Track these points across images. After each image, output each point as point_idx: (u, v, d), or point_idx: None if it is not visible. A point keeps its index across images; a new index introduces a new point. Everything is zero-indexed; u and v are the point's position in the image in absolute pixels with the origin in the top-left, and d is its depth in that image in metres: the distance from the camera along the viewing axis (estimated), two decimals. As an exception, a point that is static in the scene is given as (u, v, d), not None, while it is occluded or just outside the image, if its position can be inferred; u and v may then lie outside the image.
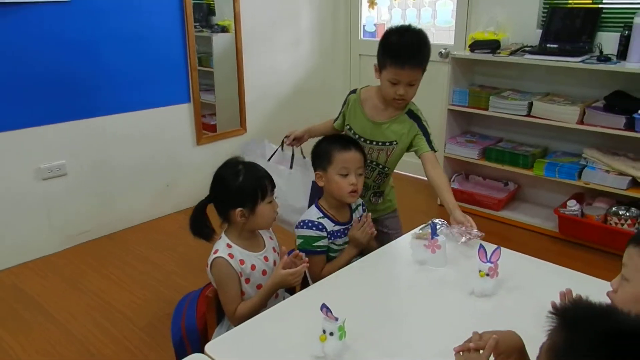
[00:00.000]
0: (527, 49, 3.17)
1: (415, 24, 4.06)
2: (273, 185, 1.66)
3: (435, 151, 1.97)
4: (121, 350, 2.23)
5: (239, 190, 1.60)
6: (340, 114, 2.08)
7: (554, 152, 3.28)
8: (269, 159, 2.05)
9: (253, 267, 1.62)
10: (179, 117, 3.45)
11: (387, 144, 1.98)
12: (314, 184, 1.89)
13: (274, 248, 1.72)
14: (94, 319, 2.43)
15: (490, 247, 1.51)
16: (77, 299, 2.59)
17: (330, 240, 1.81)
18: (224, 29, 3.80)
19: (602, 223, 2.88)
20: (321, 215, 1.81)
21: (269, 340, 1.31)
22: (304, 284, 1.83)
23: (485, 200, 3.42)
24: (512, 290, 1.50)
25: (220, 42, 3.79)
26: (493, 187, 3.55)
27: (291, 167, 2.06)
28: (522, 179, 3.47)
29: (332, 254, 1.82)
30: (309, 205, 1.90)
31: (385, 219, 2.15)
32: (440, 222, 1.79)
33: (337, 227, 1.82)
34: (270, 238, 1.74)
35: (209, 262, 1.60)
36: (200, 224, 1.66)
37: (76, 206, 3.08)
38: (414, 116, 1.99)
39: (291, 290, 1.78)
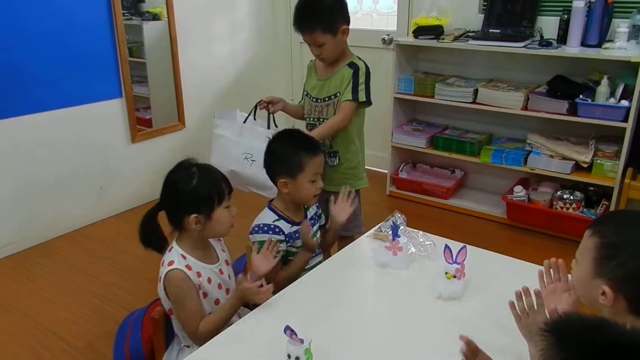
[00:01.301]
0: (470, 34, 3.15)
1: (357, 9, 4.01)
2: (230, 189, 1.51)
3: (356, 101, 1.99)
4: (57, 376, 2.02)
5: (193, 195, 1.45)
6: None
7: (499, 138, 3.30)
8: (244, 121, 2.07)
9: (209, 280, 1.48)
10: (110, 113, 3.20)
11: (333, 97, 2.04)
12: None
13: (226, 261, 1.59)
14: (24, 343, 2.19)
15: (455, 247, 1.45)
16: (3, 320, 2.33)
17: (289, 244, 1.69)
18: (155, 17, 3.56)
19: (548, 208, 2.92)
20: (276, 217, 1.69)
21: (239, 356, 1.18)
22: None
23: (434, 189, 3.40)
24: (478, 291, 1.44)
25: (151, 30, 3.55)
26: (441, 175, 3.54)
27: (268, 127, 2.06)
28: (469, 166, 3.48)
29: (290, 258, 1.71)
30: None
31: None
32: (400, 220, 1.71)
33: (294, 228, 1.71)
34: (223, 250, 1.60)
35: (162, 276, 1.44)
36: (151, 234, 1.51)
37: (-2, 216, 2.79)
38: (353, 65, 2.02)
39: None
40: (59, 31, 2.85)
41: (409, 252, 1.59)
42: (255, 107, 2.11)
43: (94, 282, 2.61)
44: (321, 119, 2.07)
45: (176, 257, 1.45)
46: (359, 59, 2.05)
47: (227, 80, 3.94)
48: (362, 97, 1.99)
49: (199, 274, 1.45)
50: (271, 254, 1.54)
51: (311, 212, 1.81)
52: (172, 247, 1.50)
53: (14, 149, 2.79)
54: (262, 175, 1.80)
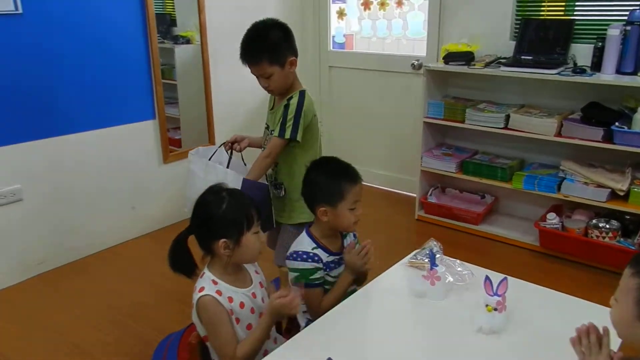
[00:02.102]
0: (502, 60, 3.14)
1: (386, 35, 4.05)
2: (259, 215, 1.52)
3: (282, 138, 1.94)
4: (89, 397, 2.03)
5: (222, 219, 1.46)
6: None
7: (531, 164, 3.26)
8: (210, 158, 2.07)
9: (242, 305, 1.48)
10: (143, 134, 3.26)
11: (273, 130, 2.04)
12: (245, 186, 1.88)
13: (260, 283, 1.58)
14: None
15: (495, 278, 1.42)
16: (37, 339, 2.36)
17: (326, 272, 1.68)
18: (187, 40, 3.65)
19: (583, 236, 2.86)
20: (315, 245, 1.68)
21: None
22: (294, 323, 1.71)
23: (464, 214, 3.36)
24: (521, 325, 1.41)
25: (183, 53, 3.64)
26: (470, 201, 3.51)
27: (227, 166, 2.06)
28: (499, 192, 3.44)
29: (326, 287, 1.70)
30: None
31: (282, 228, 2.09)
32: (437, 248, 1.69)
33: (331, 258, 1.70)
34: (256, 272, 1.60)
35: (194, 303, 1.44)
36: (180, 259, 1.51)
37: (33, 233, 2.84)
38: (290, 98, 1.99)
39: (281, 330, 1.65)
40: (97, 55, 2.94)
41: (447, 282, 1.57)
42: (220, 147, 2.09)
43: (125, 302, 2.63)
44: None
45: (207, 283, 1.46)
46: (302, 93, 1.99)
47: (256, 101, 3.98)
48: (287, 134, 1.92)
49: (230, 299, 1.45)
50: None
51: (347, 241, 1.80)
52: (203, 273, 1.50)
53: (51, 167, 2.85)
54: None
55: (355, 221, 1.68)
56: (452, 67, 3.23)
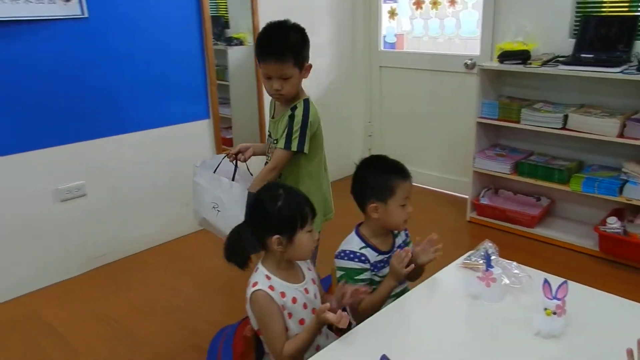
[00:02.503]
0: (560, 59, 3.04)
1: (438, 34, 4.00)
2: (314, 214, 1.54)
3: (288, 150, 1.87)
4: (146, 385, 2.11)
5: (276, 216, 1.48)
6: None
7: (590, 165, 3.14)
8: (215, 171, 2.03)
9: (294, 300, 1.50)
10: (198, 133, 3.35)
11: (277, 141, 1.95)
12: (249, 196, 1.82)
13: (313, 280, 1.60)
14: (115, 350, 2.31)
15: (554, 281, 1.38)
16: (97, 327, 2.48)
17: (373, 272, 1.68)
18: (239, 42, 3.73)
19: (646, 242, 2.73)
20: (363, 245, 1.68)
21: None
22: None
23: (518, 216, 3.28)
24: (581, 330, 1.36)
25: (235, 54, 3.72)
26: (525, 203, 3.41)
27: (233, 179, 2.00)
28: (556, 194, 3.33)
29: (373, 286, 1.69)
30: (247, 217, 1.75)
31: None
32: (492, 250, 1.66)
33: (379, 257, 1.69)
34: (309, 269, 1.62)
35: (248, 297, 1.48)
36: (235, 250, 1.56)
37: (95, 227, 2.98)
38: (294, 109, 1.91)
39: (332, 326, 1.66)
40: (156, 56, 3.05)
41: (502, 284, 1.54)
42: (224, 158, 2.05)
43: (179, 296, 2.72)
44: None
45: (260, 278, 1.48)
46: (306, 102, 1.92)
47: (308, 102, 4.02)
48: (294, 146, 1.86)
49: (283, 294, 1.47)
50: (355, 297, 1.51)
51: (399, 240, 1.79)
52: (257, 268, 1.53)
53: (111, 165, 2.98)
54: (224, 227, 1.79)
55: (406, 219, 1.67)
56: (507, 66, 3.15)
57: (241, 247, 1.56)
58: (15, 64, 2.54)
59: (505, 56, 3.18)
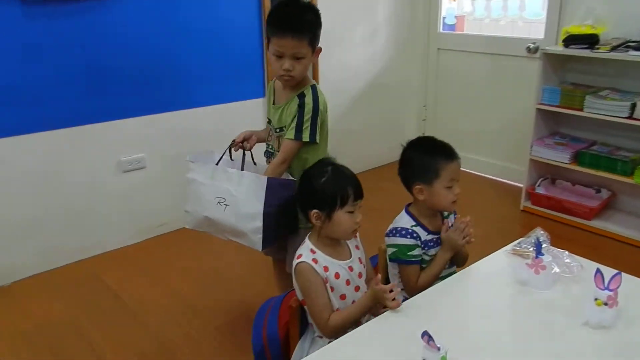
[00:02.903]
0: (631, 44, 2.88)
1: (501, 16, 3.87)
2: (358, 196, 1.55)
3: (299, 141, 1.79)
4: (196, 349, 2.21)
5: (318, 192, 1.53)
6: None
7: (657, 158, 2.98)
8: (217, 163, 1.90)
9: (337, 275, 1.53)
10: (253, 110, 3.41)
11: (283, 129, 1.85)
12: (272, 186, 1.72)
13: (360, 259, 1.62)
14: (170, 314, 2.44)
15: (608, 273, 1.34)
16: (153, 292, 2.61)
17: (423, 251, 1.69)
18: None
19: None
20: (414, 223, 1.69)
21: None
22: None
23: (576, 208, 3.17)
24: (632, 323, 1.32)
25: None
26: (583, 194, 3.29)
27: (242, 167, 1.89)
28: (618, 187, 3.19)
29: (423, 265, 1.71)
30: (265, 211, 1.72)
31: (297, 234, 1.85)
32: (543, 238, 1.63)
33: (430, 237, 1.70)
34: (357, 247, 1.64)
35: (293, 268, 1.53)
36: (287, 217, 1.72)
37: (155, 198, 3.12)
38: (302, 96, 1.81)
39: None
40: (218, 33, 3.12)
41: (553, 272, 1.51)
42: (229, 148, 1.97)
43: (231, 269, 2.82)
44: (276, 151, 1.90)
45: (305, 251, 1.53)
46: (313, 88, 1.83)
47: (364, 83, 4.02)
48: (305, 136, 1.79)
49: (326, 268, 1.51)
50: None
51: (450, 221, 1.79)
52: (304, 242, 1.58)
53: (170, 139, 3.09)
54: (236, 221, 1.75)
55: (454, 201, 1.66)
56: (573, 51, 3.03)
57: (292, 215, 1.69)
58: (83, 36, 2.67)
59: (571, 40, 3.05)
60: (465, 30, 4.09)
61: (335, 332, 1.44)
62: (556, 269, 1.52)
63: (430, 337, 1.11)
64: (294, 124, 1.79)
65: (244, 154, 1.95)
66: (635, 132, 3.00)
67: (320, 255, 1.53)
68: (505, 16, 3.78)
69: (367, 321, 1.42)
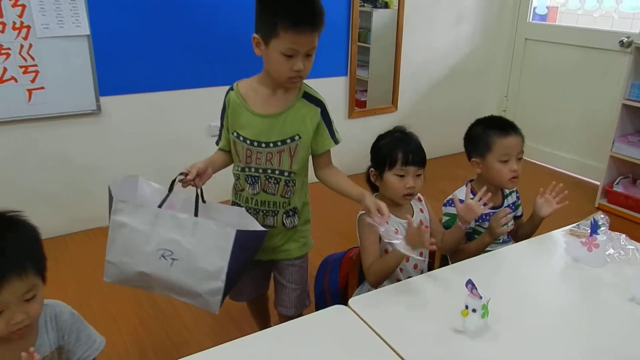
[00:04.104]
0: None
1: (595, 8, 3.75)
2: (410, 162, 1.60)
3: (337, 143, 1.65)
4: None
5: (376, 152, 1.69)
6: (220, 132, 1.69)
7: None
8: (160, 205, 1.49)
9: (396, 231, 1.65)
10: (334, 88, 3.58)
11: (288, 141, 1.57)
12: (240, 240, 1.41)
13: (421, 220, 1.74)
14: None
15: (660, 254, 1.38)
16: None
17: (477, 223, 1.78)
18: (385, 5, 3.82)
19: None
20: (472, 196, 1.78)
21: (411, 305, 1.35)
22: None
23: (654, 209, 3.07)
24: (680, 304, 1.36)
25: (379, 18, 3.80)
26: (665, 196, 3.17)
27: (196, 214, 1.51)
28: None
29: (477, 236, 1.80)
30: (230, 268, 1.41)
31: (288, 265, 1.72)
32: (602, 219, 1.66)
33: (487, 210, 1.77)
34: (421, 210, 1.75)
35: (357, 219, 1.66)
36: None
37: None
38: (314, 100, 1.59)
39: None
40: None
41: (607, 253, 1.56)
42: (172, 183, 1.53)
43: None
44: (270, 171, 1.60)
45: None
46: (308, 87, 1.61)
47: (445, 69, 4.06)
48: (339, 137, 1.65)
49: (387, 222, 1.63)
50: (478, 205, 1.61)
51: (509, 200, 1.86)
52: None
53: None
54: (187, 280, 1.42)
55: (511, 177, 1.72)
56: (668, 46, 2.92)
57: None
58: (187, 8, 2.92)
59: (667, 35, 2.94)
60: (557, 21, 4.00)
61: (375, 278, 1.54)
62: (611, 250, 1.57)
63: (473, 285, 1.22)
64: (326, 132, 1.61)
65: (197, 195, 1.54)
66: None
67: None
68: (599, 8, 3.65)
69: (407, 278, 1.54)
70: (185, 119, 3.13)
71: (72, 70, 2.67)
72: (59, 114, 2.71)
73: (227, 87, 3.21)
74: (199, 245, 1.42)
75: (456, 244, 1.71)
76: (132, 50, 2.83)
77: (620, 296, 1.39)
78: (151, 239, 1.42)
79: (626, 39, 3.40)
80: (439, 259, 1.86)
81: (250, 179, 1.62)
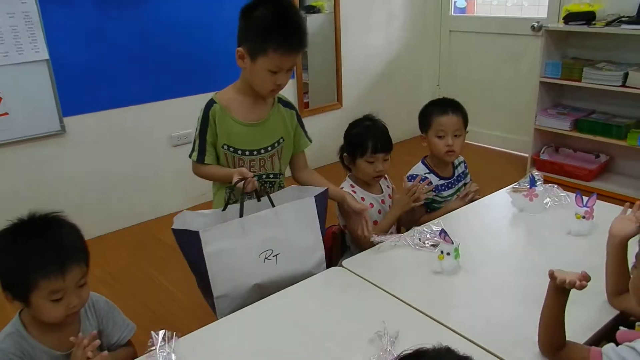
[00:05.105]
0: (624, 19, 3.20)
1: (507, -1, 4.20)
2: (378, 149, 1.83)
3: (310, 142, 1.83)
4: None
5: (347, 140, 1.92)
6: (200, 147, 1.65)
7: (649, 122, 3.31)
8: (241, 214, 1.50)
9: (371, 205, 1.91)
10: (284, 92, 3.76)
11: (276, 144, 1.70)
12: (319, 202, 1.56)
13: (389, 195, 2.00)
14: None
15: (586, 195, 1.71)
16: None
17: (435, 193, 2.05)
18: (316, 10, 4.06)
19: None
20: (427, 171, 2.06)
21: (395, 259, 1.60)
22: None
23: (576, 170, 3.51)
24: (604, 231, 1.68)
25: (313, 22, 4.01)
26: (584, 159, 3.63)
27: (272, 205, 1.55)
28: (614, 150, 3.52)
29: (435, 205, 2.07)
30: (321, 231, 1.56)
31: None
32: (537, 175, 1.98)
33: (441, 182, 2.07)
34: (388, 187, 2.02)
35: (336, 204, 1.89)
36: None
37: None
38: (288, 104, 1.76)
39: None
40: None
41: (544, 201, 1.87)
42: (243, 195, 1.53)
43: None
44: (265, 176, 1.71)
45: (346, 185, 1.92)
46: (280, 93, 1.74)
47: (381, 65, 4.38)
48: (309, 137, 1.84)
49: (362, 199, 1.89)
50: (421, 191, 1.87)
51: (459, 170, 2.15)
52: (345, 180, 1.96)
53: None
54: (295, 267, 1.51)
55: (446, 151, 1.98)
56: (572, 27, 3.36)
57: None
58: (140, 25, 3.05)
59: (570, 17, 3.38)
60: (475, 13, 4.43)
61: (367, 246, 1.78)
62: (547, 199, 1.89)
63: (445, 233, 1.49)
64: (302, 132, 1.78)
65: (257, 194, 1.59)
66: (628, 99, 3.33)
67: (358, 189, 1.91)
68: (511, -1, 4.12)
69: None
70: (147, 131, 3.25)
71: (34, 94, 2.74)
72: (23, 137, 2.77)
73: (183, 98, 3.37)
74: (290, 229, 1.50)
75: (409, 222, 1.98)
76: (91, 69, 2.93)
77: (560, 232, 1.70)
78: (249, 248, 1.46)
79: (536, 24, 3.85)
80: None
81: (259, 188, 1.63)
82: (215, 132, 1.64)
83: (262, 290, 1.48)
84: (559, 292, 1.11)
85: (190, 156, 1.69)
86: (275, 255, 1.49)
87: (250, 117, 1.66)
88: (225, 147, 1.65)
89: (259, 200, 1.58)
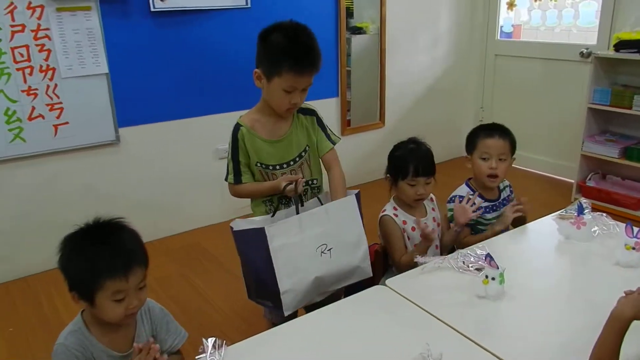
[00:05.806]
0: (678, 48, 3.14)
1: (555, 24, 4.16)
2: (420, 173, 1.84)
3: (335, 144, 1.88)
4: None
5: (390, 162, 1.95)
6: (235, 170, 1.77)
7: (703, 153, 3.21)
8: (297, 211, 1.66)
9: (413, 228, 1.92)
10: (328, 108, 3.87)
11: (303, 153, 1.81)
12: (358, 199, 1.73)
13: (434, 218, 2.01)
14: (236, 300, 2.73)
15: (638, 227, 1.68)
16: (221, 278, 2.98)
17: (480, 216, 2.05)
18: (362, 31, 4.15)
19: None
20: (471, 192, 2.06)
21: (438, 281, 1.61)
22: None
23: (623, 199, 3.42)
24: (656, 264, 1.65)
25: (357, 43, 4.11)
26: (632, 188, 3.53)
27: (321, 203, 1.78)
28: (665, 181, 3.42)
29: (480, 227, 2.07)
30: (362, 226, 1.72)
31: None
32: (585, 203, 1.96)
33: (485, 204, 2.07)
34: (433, 209, 2.02)
35: (378, 220, 1.93)
36: None
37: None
38: (308, 110, 1.84)
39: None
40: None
41: (592, 229, 1.85)
42: (295, 195, 1.68)
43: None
44: (310, 179, 1.88)
45: (388, 207, 1.94)
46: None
47: (425, 86, 4.41)
48: (336, 138, 1.90)
49: (404, 222, 1.90)
50: (470, 207, 1.89)
51: (504, 194, 2.15)
52: (390, 201, 1.98)
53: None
54: (346, 261, 1.65)
55: (488, 174, 1.99)
56: (622, 55, 3.31)
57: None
58: (191, 46, 3.20)
59: (621, 45, 3.33)
60: (522, 38, 4.41)
61: (407, 268, 1.76)
62: (595, 227, 1.87)
63: (491, 257, 1.49)
64: (323, 135, 1.85)
65: (299, 197, 1.72)
66: (681, 129, 3.24)
67: (400, 211, 1.93)
68: (559, 24, 4.07)
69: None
70: (194, 144, 3.37)
71: (93, 105, 2.89)
72: (82, 145, 2.92)
73: (229, 113, 3.48)
74: (339, 225, 1.64)
75: (451, 243, 1.99)
76: (145, 84, 3.08)
77: (607, 262, 1.68)
78: (307, 243, 1.59)
79: (585, 50, 3.80)
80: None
81: (284, 199, 1.80)
82: (247, 153, 1.76)
83: (320, 284, 1.61)
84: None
85: (226, 179, 1.81)
86: (330, 249, 1.61)
87: (274, 134, 1.77)
88: (259, 164, 1.77)
89: (302, 205, 1.72)
